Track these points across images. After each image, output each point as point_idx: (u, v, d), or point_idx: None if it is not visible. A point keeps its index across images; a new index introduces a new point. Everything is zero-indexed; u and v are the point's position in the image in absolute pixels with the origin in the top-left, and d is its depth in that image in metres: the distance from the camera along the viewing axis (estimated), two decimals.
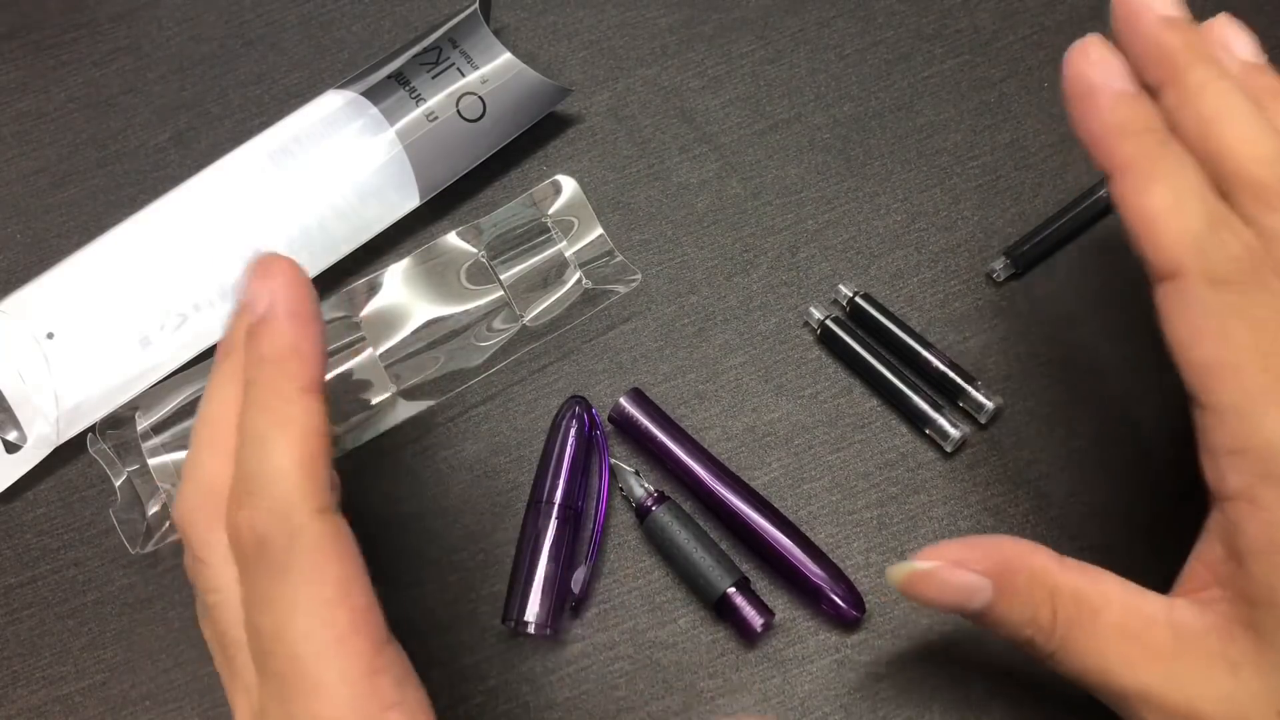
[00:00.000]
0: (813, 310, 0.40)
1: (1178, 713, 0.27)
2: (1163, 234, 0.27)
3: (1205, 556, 0.29)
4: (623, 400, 0.38)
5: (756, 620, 0.35)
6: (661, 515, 0.37)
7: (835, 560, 0.37)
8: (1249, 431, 0.27)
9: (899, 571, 0.31)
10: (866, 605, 0.36)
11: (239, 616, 0.27)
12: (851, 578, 0.36)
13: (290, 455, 0.25)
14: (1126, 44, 0.30)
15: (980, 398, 0.38)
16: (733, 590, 0.36)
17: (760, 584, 0.37)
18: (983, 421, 0.39)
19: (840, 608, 0.36)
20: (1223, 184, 0.28)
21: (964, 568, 0.30)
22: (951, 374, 0.39)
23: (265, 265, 0.27)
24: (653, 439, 0.38)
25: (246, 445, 0.26)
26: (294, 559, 0.25)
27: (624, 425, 0.38)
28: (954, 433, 0.38)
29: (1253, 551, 0.26)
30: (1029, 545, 0.30)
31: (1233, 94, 0.29)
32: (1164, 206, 0.27)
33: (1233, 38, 0.32)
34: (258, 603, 0.25)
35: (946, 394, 0.39)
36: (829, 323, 0.40)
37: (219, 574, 0.27)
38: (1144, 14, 0.29)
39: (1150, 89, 0.30)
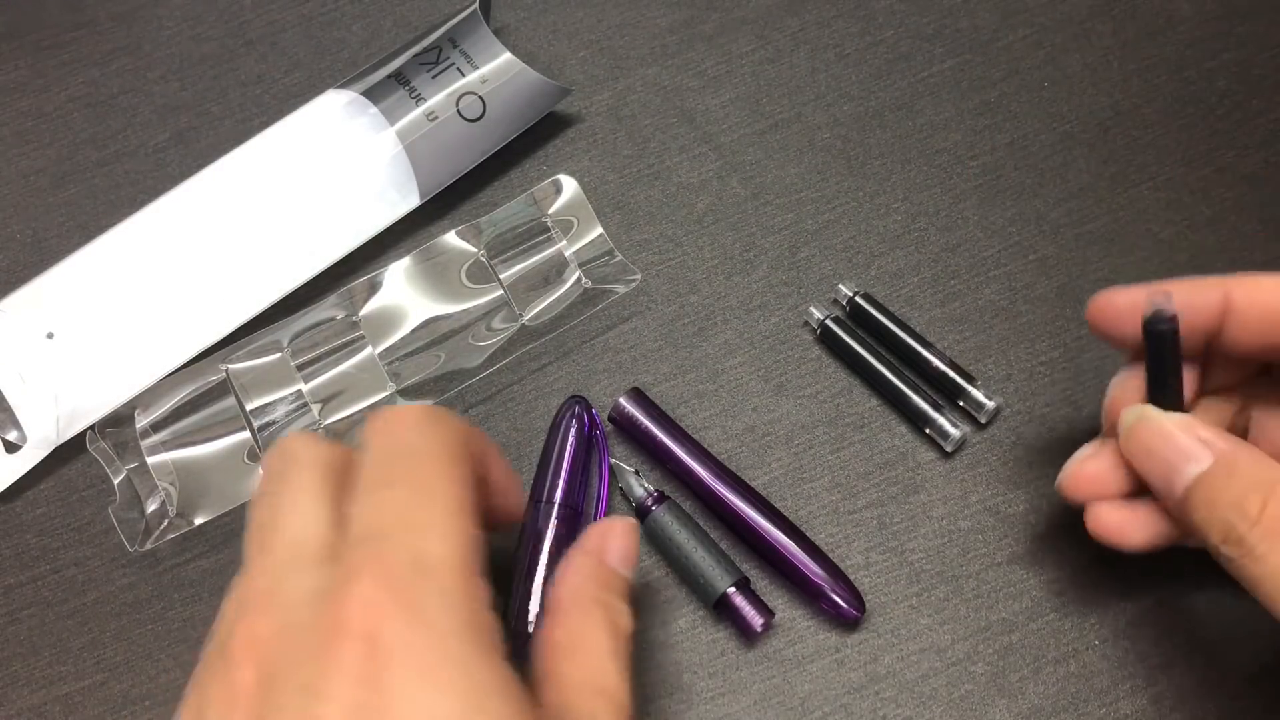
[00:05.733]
0: (813, 310, 0.40)
1: None
2: None
3: None
4: (623, 400, 0.38)
5: (756, 620, 0.35)
6: (661, 515, 0.37)
7: (835, 560, 0.37)
8: None
9: (1130, 414, 0.32)
10: (866, 605, 0.36)
11: None
12: (851, 578, 0.36)
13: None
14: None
15: (980, 397, 0.38)
16: (733, 590, 0.36)
17: (760, 584, 0.37)
18: (983, 421, 0.39)
19: (840, 608, 0.36)
20: None
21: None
22: (951, 374, 0.39)
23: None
24: (653, 439, 0.38)
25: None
26: None
27: (624, 425, 0.38)
28: (954, 432, 0.38)
29: None
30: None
31: None
32: None
33: None
34: None
35: (946, 394, 0.39)
36: (829, 323, 0.40)
37: None
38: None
39: None
